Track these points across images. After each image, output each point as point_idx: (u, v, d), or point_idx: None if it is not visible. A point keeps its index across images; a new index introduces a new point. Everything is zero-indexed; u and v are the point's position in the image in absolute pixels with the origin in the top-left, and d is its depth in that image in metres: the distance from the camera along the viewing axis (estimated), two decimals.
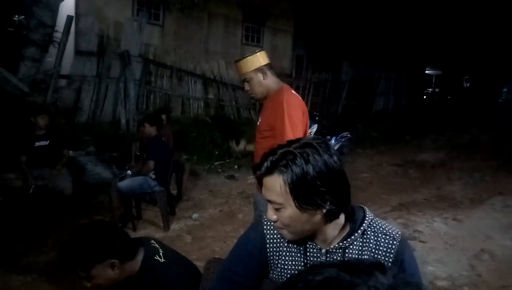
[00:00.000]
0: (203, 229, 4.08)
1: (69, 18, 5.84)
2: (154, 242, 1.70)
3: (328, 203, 0.99)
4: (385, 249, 1.07)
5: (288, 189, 0.97)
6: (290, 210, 1.00)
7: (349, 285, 0.49)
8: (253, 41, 10.67)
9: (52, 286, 2.85)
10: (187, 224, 4.17)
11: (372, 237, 1.07)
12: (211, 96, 9.13)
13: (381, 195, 5.40)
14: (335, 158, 1.00)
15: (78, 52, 6.46)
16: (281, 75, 9.92)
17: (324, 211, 1.00)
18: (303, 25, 11.54)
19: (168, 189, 4.10)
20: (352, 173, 6.61)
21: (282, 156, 0.99)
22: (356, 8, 11.55)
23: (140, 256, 1.55)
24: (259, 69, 2.18)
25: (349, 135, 7.93)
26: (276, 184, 0.99)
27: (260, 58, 2.19)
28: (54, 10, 5.54)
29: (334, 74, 12.29)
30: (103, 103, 6.59)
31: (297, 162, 0.97)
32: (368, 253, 1.07)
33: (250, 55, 2.20)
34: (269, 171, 1.00)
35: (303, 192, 0.97)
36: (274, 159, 1.00)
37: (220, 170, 6.46)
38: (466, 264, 3.35)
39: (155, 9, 8.21)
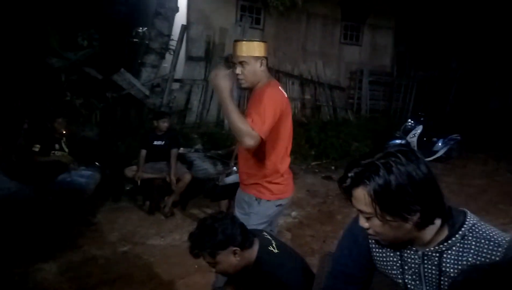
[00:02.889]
0: (302, 228, 4.18)
1: (183, 27, 6.45)
2: (266, 234, 1.84)
3: (417, 214, 0.98)
4: (487, 256, 1.01)
5: (372, 201, 0.99)
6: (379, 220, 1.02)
7: None
8: (352, 40, 10.41)
9: (171, 268, 3.21)
10: (287, 221, 4.30)
11: (473, 242, 1.03)
12: (307, 96, 9.18)
13: (498, 205, 4.87)
14: (422, 167, 0.98)
15: (189, 58, 7.07)
16: (381, 74, 9.53)
17: (412, 222, 0.99)
18: (406, 21, 10.88)
19: None
20: (462, 179, 6.09)
21: (365, 168, 1.00)
22: None
23: (256, 246, 1.70)
24: (260, 58, 2.10)
25: (458, 137, 7.28)
26: (362, 196, 1.01)
27: (263, 48, 2.12)
28: (170, 21, 6.18)
29: (440, 71, 11.35)
30: (209, 104, 7.12)
31: (380, 173, 0.97)
32: (468, 258, 1.03)
33: (254, 41, 2.12)
34: (354, 184, 1.02)
35: (387, 204, 0.97)
36: (358, 171, 1.01)
37: (316, 170, 6.49)
38: None
39: (257, 14, 8.56)
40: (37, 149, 3.92)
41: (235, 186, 3.85)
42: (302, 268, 1.73)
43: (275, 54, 8.59)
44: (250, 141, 1.87)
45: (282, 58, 8.67)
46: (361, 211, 1.05)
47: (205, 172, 5.44)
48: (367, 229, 1.08)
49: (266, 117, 1.94)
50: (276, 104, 2.02)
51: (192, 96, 6.98)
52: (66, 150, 4.14)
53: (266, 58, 2.14)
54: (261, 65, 2.10)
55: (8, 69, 5.13)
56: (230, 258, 1.63)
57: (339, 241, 1.29)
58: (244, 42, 2.09)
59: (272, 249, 1.71)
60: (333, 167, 6.62)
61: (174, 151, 4.38)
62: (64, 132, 4.09)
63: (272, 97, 2.01)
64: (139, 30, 6.36)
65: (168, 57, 6.55)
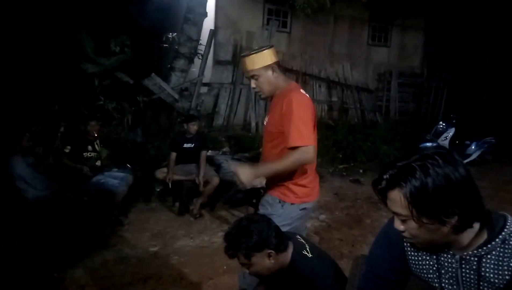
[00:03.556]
0: (330, 231, 4.14)
1: (211, 32, 6.56)
2: (299, 237, 1.84)
3: (455, 218, 0.96)
4: None
5: (408, 204, 0.97)
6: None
7: None
8: (380, 41, 10.25)
9: (200, 268, 3.26)
10: (314, 225, 4.28)
11: None
12: (334, 99, 9.11)
13: None
14: (460, 170, 0.96)
15: (217, 62, 7.18)
16: (411, 76, 9.32)
17: (450, 226, 0.97)
18: (437, 21, 10.60)
19: None
20: (497, 184, 5.86)
21: (401, 170, 0.99)
22: None
23: (290, 250, 1.70)
24: (269, 66, 2.06)
25: (493, 140, 7.02)
26: (398, 198, 0.99)
27: (270, 55, 2.07)
28: (199, 26, 6.30)
29: (473, 72, 10.99)
30: (236, 107, 7.19)
31: (416, 175, 0.96)
32: (510, 263, 1.00)
33: (259, 52, 2.06)
34: (390, 186, 1.01)
35: (424, 206, 0.96)
36: (393, 173, 1.00)
37: (344, 173, 6.42)
38: None
39: (283, 17, 8.59)
40: (67, 151, 4.09)
41: (255, 191, 3.90)
42: (335, 272, 1.72)
43: (302, 56, 8.58)
44: (308, 156, 1.95)
45: (309, 61, 8.65)
46: (396, 214, 1.04)
47: (232, 174, 5.49)
48: (403, 231, 1.06)
49: (306, 125, 1.97)
50: (307, 109, 2.04)
51: (219, 99, 7.08)
52: (100, 151, 4.28)
53: (276, 62, 2.09)
54: (273, 72, 2.08)
55: (46, 75, 5.38)
56: (265, 261, 1.64)
57: (373, 243, 1.28)
58: (250, 56, 2.06)
59: (306, 253, 1.70)
60: (361, 171, 6.53)
61: (203, 153, 4.46)
62: (96, 134, 4.24)
63: (302, 103, 2.02)
64: (169, 36, 6.53)
65: (197, 61, 6.68)
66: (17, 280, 2.88)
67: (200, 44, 6.50)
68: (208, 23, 7.12)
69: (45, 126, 4.75)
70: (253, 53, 2.06)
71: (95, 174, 4.06)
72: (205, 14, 6.38)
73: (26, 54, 5.28)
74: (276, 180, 2.14)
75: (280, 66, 2.15)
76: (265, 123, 2.26)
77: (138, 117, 5.88)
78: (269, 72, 2.07)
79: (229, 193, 4.63)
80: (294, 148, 1.94)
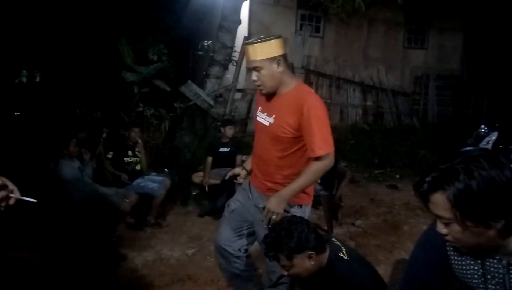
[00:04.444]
0: (366, 237, 4.08)
1: (245, 39, 6.64)
2: (335, 240, 1.85)
3: (501, 221, 0.94)
4: None
5: (452, 206, 0.96)
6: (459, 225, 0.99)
7: None
8: (417, 44, 10.01)
9: None
10: (350, 230, 4.23)
11: None
12: (369, 103, 8.98)
13: None
14: (507, 173, 0.94)
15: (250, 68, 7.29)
16: (450, 78, 8.98)
17: (496, 230, 0.95)
18: (477, 20, 10.21)
19: (332, 194, 4.25)
20: None
21: (444, 173, 0.97)
22: None
23: (327, 252, 1.72)
24: (275, 59, 1.83)
25: None
26: (441, 201, 0.98)
27: (277, 46, 1.83)
28: (233, 33, 6.42)
29: None
30: None
31: (460, 178, 0.94)
32: None
33: (265, 41, 1.81)
34: (432, 189, 0.99)
35: (468, 209, 0.94)
36: (436, 175, 0.99)
37: (380, 178, 6.29)
38: None
39: (317, 22, 8.58)
40: (110, 156, 4.28)
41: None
42: (373, 275, 1.71)
43: (335, 61, 8.53)
44: (331, 162, 1.86)
45: (343, 65, 8.59)
46: (439, 217, 1.03)
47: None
48: (446, 235, 1.05)
49: (329, 130, 1.87)
50: (325, 112, 1.91)
51: (253, 105, 7.15)
52: (139, 156, 4.45)
53: (284, 55, 1.87)
54: (278, 65, 1.85)
55: (89, 84, 5.68)
56: (305, 262, 1.67)
57: (414, 247, 1.27)
58: (255, 44, 1.82)
59: (342, 255, 1.72)
60: (397, 176, 6.37)
61: (239, 157, 4.53)
62: (138, 140, 4.40)
63: (323, 109, 1.88)
64: (204, 43, 6.71)
65: (231, 68, 6.80)
66: (61, 280, 3.05)
67: (235, 51, 6.61)
68: (242, 30, 7.24)
69: (89, 132, 5.01)
70: (257, 42, 1.83)
71: (135, 178, 4.23)
72: (239, 22, 6.50)
73: (71, 65, 5.59)
74: (284, 183, 1.97)
75: (287, 61, 1.92)
76: (264, 122, 1.99)
77: (175, 123, 6.06)
78: (274, 66, 1.84)
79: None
80: (319, 157, 1.83)
